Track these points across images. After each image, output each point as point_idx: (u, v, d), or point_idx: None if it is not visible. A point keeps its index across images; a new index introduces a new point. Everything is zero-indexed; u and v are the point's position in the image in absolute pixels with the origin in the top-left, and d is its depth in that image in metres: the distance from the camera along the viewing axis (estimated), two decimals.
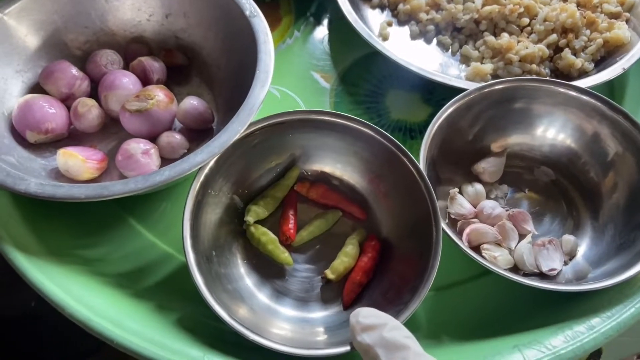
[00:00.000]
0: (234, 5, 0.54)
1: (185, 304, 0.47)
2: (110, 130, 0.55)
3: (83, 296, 0.43)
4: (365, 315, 0.37)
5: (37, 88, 0.55)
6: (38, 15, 0.55)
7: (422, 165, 0.48)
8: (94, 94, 0.56)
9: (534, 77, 0.59)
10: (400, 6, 0.68)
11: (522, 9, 0.64)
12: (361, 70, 0.65)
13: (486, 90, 0.53)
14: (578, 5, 0.65)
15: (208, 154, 0.44)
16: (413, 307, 0.42)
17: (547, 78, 0.58)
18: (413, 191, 0.48)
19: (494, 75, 0.62)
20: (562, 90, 0.54)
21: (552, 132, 0.55)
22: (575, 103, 0.54)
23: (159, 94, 0.52)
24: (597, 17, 0.63)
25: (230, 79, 0.56)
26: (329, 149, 0.52)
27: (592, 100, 0.53)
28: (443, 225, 0.46)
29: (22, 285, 0.45)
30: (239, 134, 0.46)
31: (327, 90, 0.63)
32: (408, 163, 0.48)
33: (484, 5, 0.65)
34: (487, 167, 0.54)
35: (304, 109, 0.60)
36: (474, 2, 0.65)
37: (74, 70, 0.54)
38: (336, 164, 0.53)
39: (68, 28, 0.57)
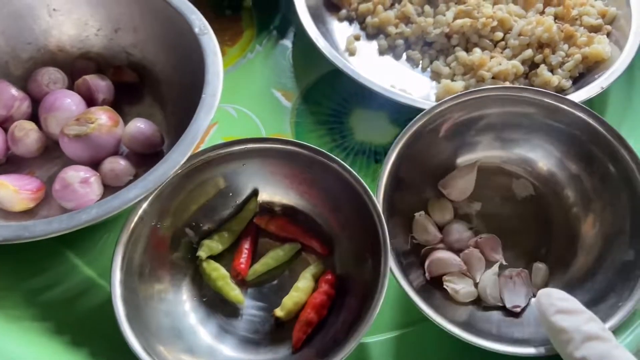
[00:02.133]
0: (183, 21, 0.50)
1: (120, 355, 0.42)
2: (52, 155, 0.52)
3: (3, 347, 0.39)
4: (560, 297, 0.38)
5: None
6: None
7: (381, 191, 0.45)
8: (36, 114, 0.52)
9: (503, 85, 0.55)
10: (369, 19, 0.64)
11: (495, 23, 0.60)
12: (325, 88, 0.61)
13: (453, 103, 0.49)
14: (556, 17, 0.61)
15: (142, 189, 0.41)
16: (349, 347, 0.39)
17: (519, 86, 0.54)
18: (366, 222, 0.45)
19: None
20: (546, 100, 0.49)
21: (530, 144, 0.51)
22: (559, 114, 0.49)
23: (102, 117, 0.49)
24: (576, 30, 0.60)
25: (182, 98, 0.52)
26: (286, 179, 0.49)
27: (578, 113, 0.49)
28: (391, 263, 0.42)
29: None
30: (178, 165, 0.43)
31: (287, 109, 0.60)
32: (362, 193, 0.45)
33: (455, 18, 0.61)
34: (454, 183, 0.51)
35: (258, 136, 0.55)
36: (444, 16, 0.61)
37: (13, 90, 0.51)
38: (296, 195, 0.50)
39: (9, 44, 0.53)
